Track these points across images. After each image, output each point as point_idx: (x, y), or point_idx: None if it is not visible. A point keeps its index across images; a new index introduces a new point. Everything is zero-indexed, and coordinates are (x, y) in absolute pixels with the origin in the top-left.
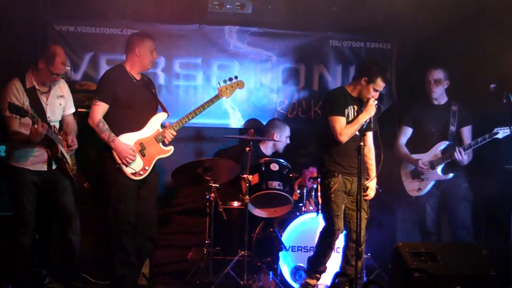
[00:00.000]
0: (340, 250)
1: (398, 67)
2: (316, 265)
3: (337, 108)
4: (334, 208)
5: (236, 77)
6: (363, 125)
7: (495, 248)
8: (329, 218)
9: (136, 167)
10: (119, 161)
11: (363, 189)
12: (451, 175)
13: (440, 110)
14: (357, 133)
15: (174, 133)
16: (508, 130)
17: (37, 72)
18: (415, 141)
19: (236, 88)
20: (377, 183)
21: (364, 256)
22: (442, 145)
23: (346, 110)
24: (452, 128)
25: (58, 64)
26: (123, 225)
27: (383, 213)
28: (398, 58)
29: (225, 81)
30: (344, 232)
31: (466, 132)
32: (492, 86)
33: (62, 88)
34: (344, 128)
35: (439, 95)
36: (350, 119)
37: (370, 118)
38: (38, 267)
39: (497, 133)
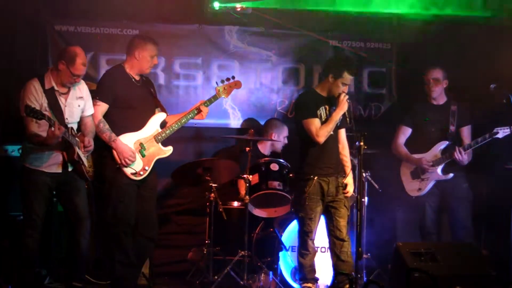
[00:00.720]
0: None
1: (398, 67)
2: (302, 271)
3: (308, 111)
4: (308, 211)
5: (233, 77)
6: (337, 124)
7: (495, 248)
8: (302, 221)
9: (136, 167)
10: (119, 162)
11: (342, 186)
12: (451, 175)
13: (440, 110)
14: (332, 132)
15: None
16: (508, 130)
17: (57, 73)
18: (415, 141)
19: (234, 88)
20: (377, 183)
21: (364, 256)
22: (442, 145)
23: (318, 111)
24: (452, 128)
25: (78, 65)
26: (123, 225)
27: (383, 213)
28: (398, 58)
29: (222, 81)
30: (328, 230)
31: (466, 132)
32: (492, 86)
33: (81, 89)
34: (320, 129)
35: (438, 94)
36: (323, 119)
37: (344, 115)
38: (38, 267)
39: (497, 132)
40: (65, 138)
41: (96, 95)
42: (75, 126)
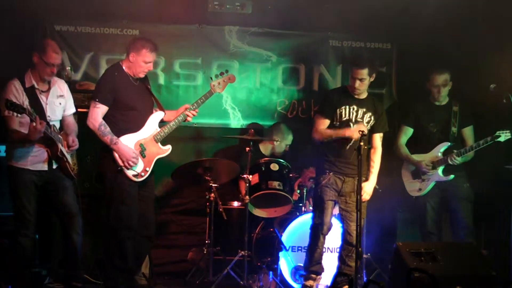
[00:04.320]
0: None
1: (398, 67)
2: (307, 264)
3: (323, 108)
4: (318, 202)
5: (226, 71)
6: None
7: (495, 248)
8: (314, 212)
9: (137, 169)
10: (122, 164)
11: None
12: (452, 176)
13: (441, 111)
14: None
15: (195, 113)
16: (509, 133)
17: (34, 69)
18: (416, 142)
19: (228, 82)
20: (377, 183)
21: (364, 256)
22: (443, 146)
23: (338, 110)
24: (454, 129)
25: (50, 53)
26: (126, 230)
27: (383, 213)
28: (398, 58)
29: (216, 76)
30: (341, 232)
31: (468, 133)
32: (492, 86)
33: (61, 88)
34: (320, 129)
35: (444, 97)
36: (344, 118)
37: (371, 117)
38: (38, 267)
39: (499, 136)
40: (47, 134)
41: (95, 97)
42: (57, 124)
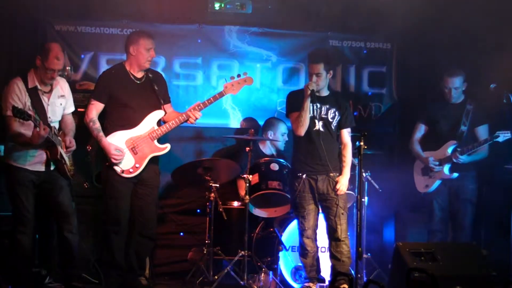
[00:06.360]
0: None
1: (398, 67)
2: (303, 270)
3: (290, 106)
4: (299, 209)
5: (245, 73)
6: (330, 122)
7: (495, 248)
8: (297, 219)
9: (124, 166)
10: (108, 160)
11: (334, 184)
12: (455, 174)
13: (455, 109)
14: (322, 129)
15: (198, 116)
16: (509, 134)
17: (36, 70)
18: (427, 139)
19: (244, 84)
20: (377, 183)
21: (364, 256)
22: (451, 144)
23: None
24: (463, 128)
25: (52, 59)
26: (112, 224)
27: (384, 213)
28: (398, 58)
29: (232, 77)
30: (326, 229)
31: (482, 132)
32: (492, 86)
33: (63, 88)
34: (292, 122)
35: (457, 97)
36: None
37: (335, 113)
38: (38, 267)
39: (498, 136)
40: (49, 137)
41: (92, 94)
42: (56, 125)
